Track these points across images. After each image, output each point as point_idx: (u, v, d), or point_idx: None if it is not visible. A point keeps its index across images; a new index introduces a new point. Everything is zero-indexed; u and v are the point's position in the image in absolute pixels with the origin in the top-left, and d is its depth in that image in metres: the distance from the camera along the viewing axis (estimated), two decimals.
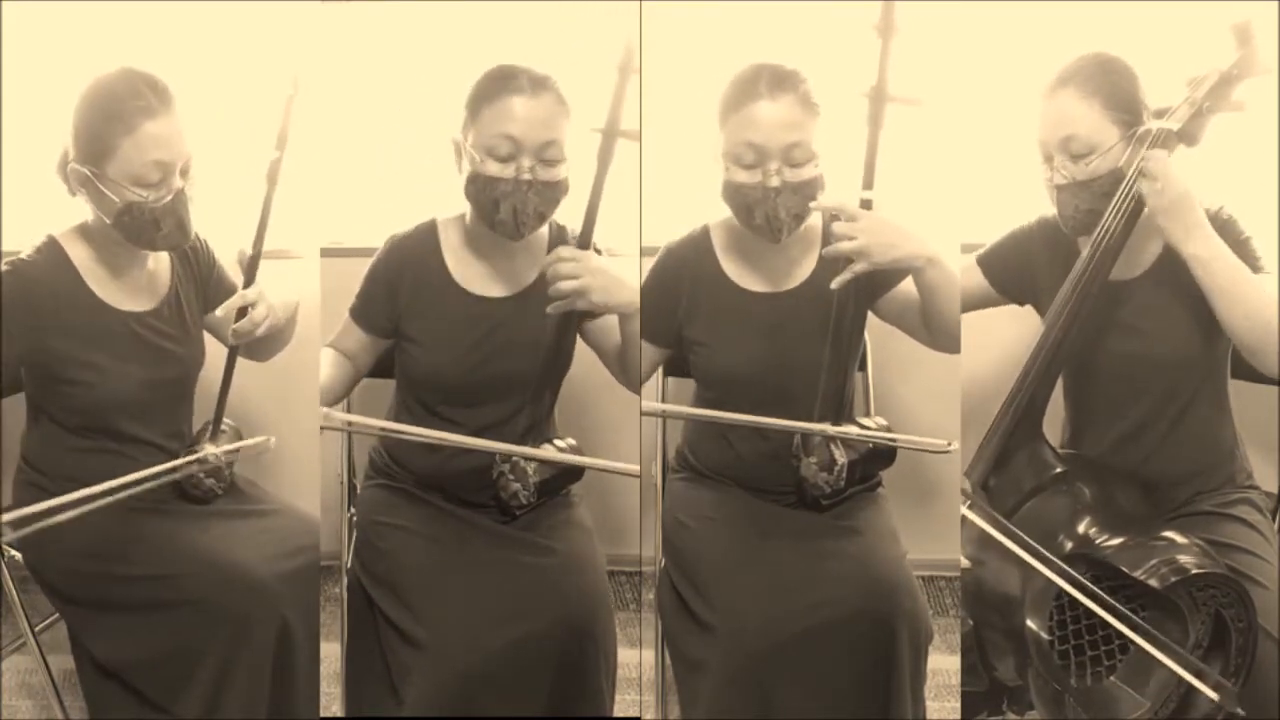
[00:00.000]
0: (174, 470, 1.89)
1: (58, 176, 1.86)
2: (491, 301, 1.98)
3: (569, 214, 1.93)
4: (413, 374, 2.02)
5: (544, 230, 1.99)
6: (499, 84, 1.86)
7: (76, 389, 1.88)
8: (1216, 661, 1.61)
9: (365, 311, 2.01)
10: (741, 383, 1.97)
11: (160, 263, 1.98)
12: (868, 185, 1.82)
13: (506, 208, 1.86)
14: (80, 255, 1.89)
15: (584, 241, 1.84)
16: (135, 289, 1.94)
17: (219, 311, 1.89)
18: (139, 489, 1.77)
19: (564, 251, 1.82)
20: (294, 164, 1.91)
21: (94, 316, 1.89)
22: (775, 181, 1.83)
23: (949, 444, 1.80)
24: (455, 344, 1.97)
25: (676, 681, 1.92)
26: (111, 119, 1.76)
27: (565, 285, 1.81)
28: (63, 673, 2.02)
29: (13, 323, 1.82)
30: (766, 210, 1.86)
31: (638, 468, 1.84)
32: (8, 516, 1.67)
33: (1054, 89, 1.78)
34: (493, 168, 1.85)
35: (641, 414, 1.82)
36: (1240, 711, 1.59)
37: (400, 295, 1.99)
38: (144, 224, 1.81)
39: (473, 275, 1.99)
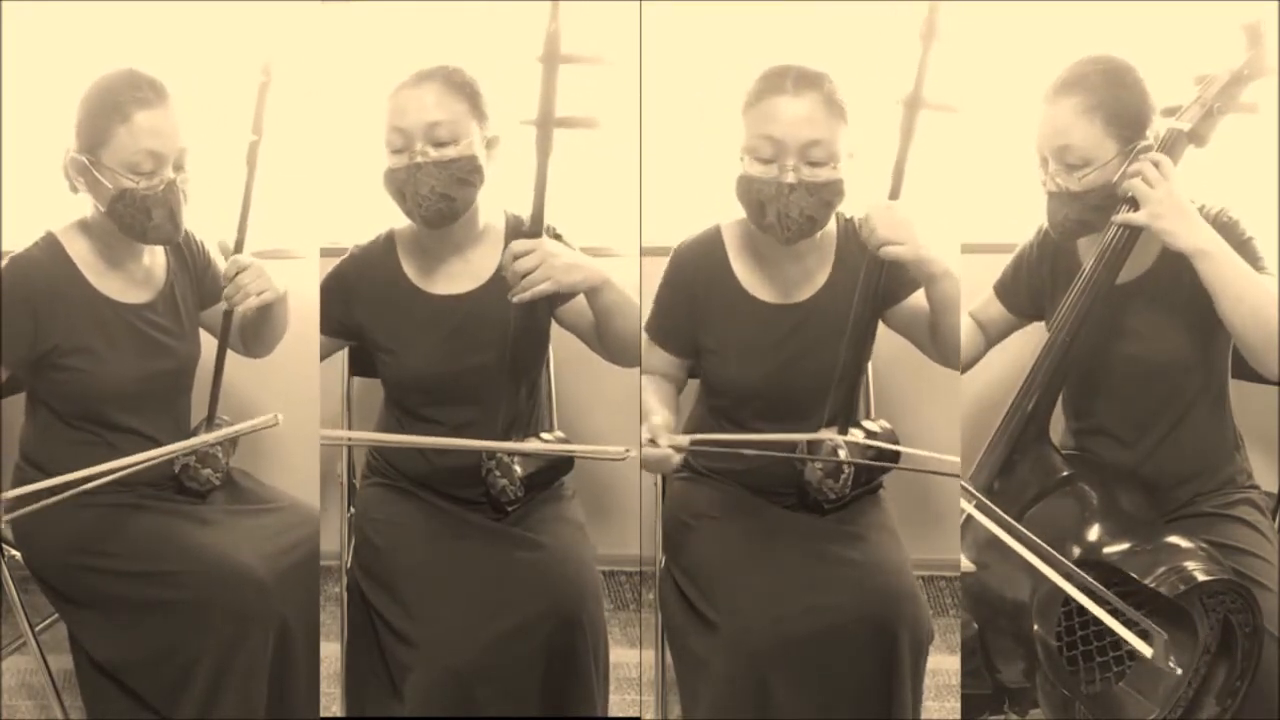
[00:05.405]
0: (171, 457, 1.91)
1: (62, 175, 1.90)
2: (453, 299, 1.98)
3: (568, 213, 1.93)
4: (390, 380, 2.03)
5: (500, 223, 2.00)
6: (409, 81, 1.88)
7: (70, 376, 1.90)
8: (1223, 665, 1.61)
9: (327, 324, 2.02)
10: (751, 394, 1.96)
11: (156, 258, 2.01)
12: (894, 194, 1.79)
13: (410, 194, 1.87)
14: (77, 248, 1.93)
15: (534, 230, 1.83)
16: (131, 282, 1.96)
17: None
18: (135, 468, 1.80)
19: (518, 245, 1.81)
20: (296, 164, 1.92)
21: (89, 306, 1.91)
22: (791, 178, 1.80)
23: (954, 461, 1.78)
24: (422, 345, 1.97)
25: (678, 679, 1.92)
26: (109, 109, 1.82)
27: (525, 273, 1.79)
28: (63, 673, 2.01)
29: (13, 317, 1.86)
30: (779, 208, 1.81)
31: (623, 449, 1.78)
32: (6, 495, 1.74)
33: (1057, 95, 1.75)
34: (391, 160, 1.88)
35: (641, 445, 1.79)
36: (1173, 664, 1.60)
37: (359, 305, 1.99)
38: (136, 212, 1.85)
39: (431, 275, 1.99)
